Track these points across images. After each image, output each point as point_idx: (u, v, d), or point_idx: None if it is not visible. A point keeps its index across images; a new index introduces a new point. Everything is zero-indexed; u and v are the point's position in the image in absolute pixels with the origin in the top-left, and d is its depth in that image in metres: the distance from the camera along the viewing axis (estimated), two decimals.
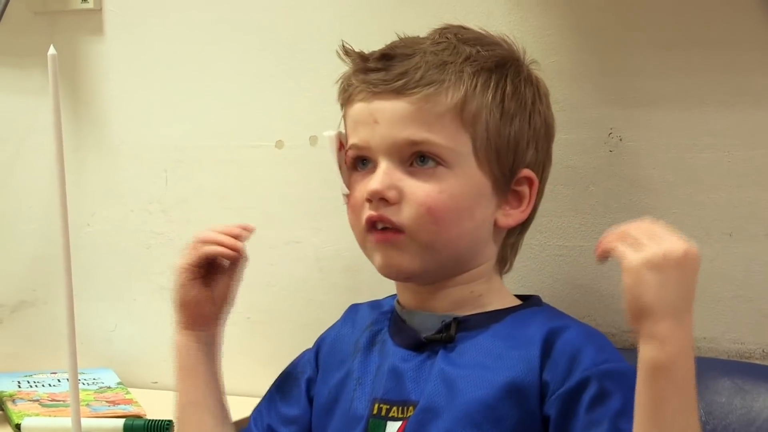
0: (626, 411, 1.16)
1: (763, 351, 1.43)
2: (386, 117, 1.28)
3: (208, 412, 1.39)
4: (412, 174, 1.27)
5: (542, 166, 1.33)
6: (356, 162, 1.32)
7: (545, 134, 1.34)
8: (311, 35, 1.66)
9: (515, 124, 1.29)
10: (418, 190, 1.26)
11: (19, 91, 1.85)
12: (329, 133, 1.33)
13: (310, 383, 1.39)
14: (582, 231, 1.50)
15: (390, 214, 1.27)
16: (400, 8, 1.58)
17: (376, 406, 1.29)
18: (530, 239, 1.48)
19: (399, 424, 1.27)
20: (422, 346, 1.29)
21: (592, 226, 1.50)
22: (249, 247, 1.71)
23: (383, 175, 1.27)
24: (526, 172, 1.31)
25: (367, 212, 1.28)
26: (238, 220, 1.71)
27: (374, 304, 1.40)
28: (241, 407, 1.65)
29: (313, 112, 1.67)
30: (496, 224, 1.31)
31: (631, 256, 1.12)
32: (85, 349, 1.78)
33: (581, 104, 1.49)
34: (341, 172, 1.32)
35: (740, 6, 1.42)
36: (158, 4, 1.76)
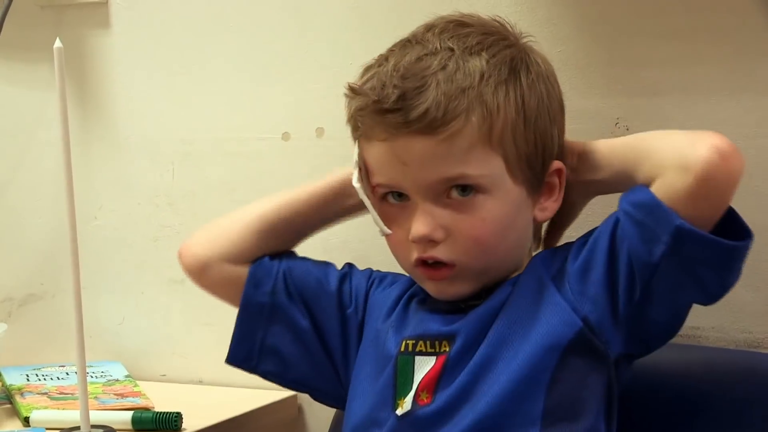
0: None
1: None
2: (415, 159, 1.24)
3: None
4: (451, 207, 1.25)
5: (563, 149, 1.32)
6: (386, 194, 1.29)
7: (561, 113, 1.32)
8: (318, 27, 1.66)
9: (538, 125, 1.27)
10: (463, 224, 1.24)
11: (26, 84, 1.86)
12: (356, 183, 1.29)
13: (347, 320, 1.40)
14: (591, 221, 1.49)
15: (438, 253, 1.25)
16: (405, 1, 1.58)
17: (404, 343, 1.29)
18: None
19: (431, 359, 1.27)
20: (458, 309, 1.29)
21: (599, 216, 1.49)
22: None
23: (426, 217, 1.24)
24: (556, 164, 1.30)
25: (416, 253, 1.26)
26: None
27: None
28: (248, 400, 1.65)
29: (319, 105, 1.67)
30: (534, 221, 1.31)
31: None
32: (93, 342, 1.79)
33: (588, 94, 1.48)
34: (375, 214, 1.29)
35: None
36: None
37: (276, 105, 1.70)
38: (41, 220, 1.86)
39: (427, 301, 1.33)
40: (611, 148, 1.29)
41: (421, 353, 1.28)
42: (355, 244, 1.65)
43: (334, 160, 1.65)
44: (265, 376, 1.43)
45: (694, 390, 1.33)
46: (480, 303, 1.28)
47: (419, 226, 1.25)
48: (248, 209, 1.44)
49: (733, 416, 1.30)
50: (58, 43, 1.27)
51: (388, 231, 1.29)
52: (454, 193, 1.25)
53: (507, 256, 1.29)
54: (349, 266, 1.44)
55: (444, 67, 1.24)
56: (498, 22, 1.32)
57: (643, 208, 1.18)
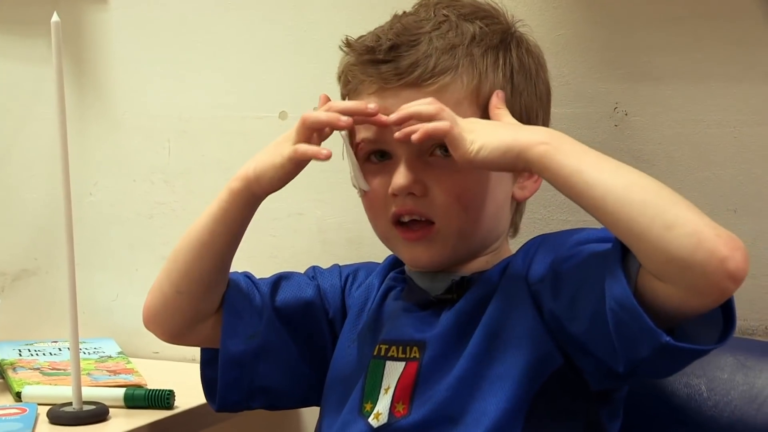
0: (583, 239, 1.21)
1: (765, 327, 1.43)
2: None
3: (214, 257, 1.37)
4: (433, 164, 1.25)
5: (546, 126, 1.33)
6: (369, 154, 1.29)
7: (548, 99, 1.33)
8: (316, 6, 1.66)
9: (524, 98, 1.29)
10: (444, 180, 1.25)
11: (23, 59, 1.85)
12: (344, 132, 1.29)
13: (333, 322, 1.39)
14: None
15: (418, 206, 1.25)
16: None
17: (377, 347, 1.29)
18: (534, 213, 1.47)
19: (400, 364, 1.27)
20: (429, 304, 1.29)
21: None
22: (252, 218, 1.71)
23: (407, 171, 1.24)
24: None
25: (393, 207, 1.26)
26: None
27: (389, 262, 1.39)
28: None
29: (317, 84, 1.66)
30: (513, 198, 1.31)
31: (456, 131, 1.18)
32: (87, 318, 1.78)
33: (587, 78, 1.48)
34: (357, 169, 1.29)
35: None
36: None
37: (274, 84, 1.69)
38: (36, 196, 1.85)
39: (401, 296, 1.32)
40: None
41: (392, 358, 1.28)
42: (349, 225, 1.65)
43: (331, 139, 1.65)
44: (257, 408, 1.41)
45: (687, 375, 1.33)
46: (454, 300, 1.27)
47: (400, 177, 1.25)
48: (174, 263, 1.39)
49: (727, 402, 1.30)
50: (55, 18, 1.26)
51: (367, 187, 1.28)
52: (438, 152, 1.25)
53: (484, 225, 1.28)
54: (314, 269, 1.43)
55: (438, 28, 1.27)
56: (490, 4, 1.33)
57: (628, 313, 1.10)
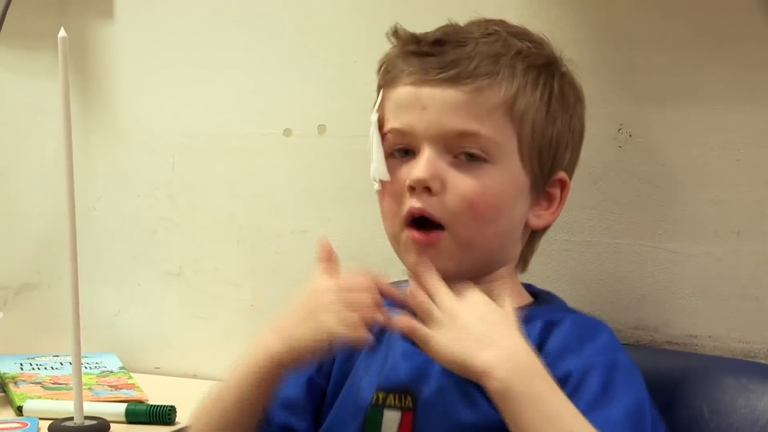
0: (595, 402, 1.17)
1: (767, 351, 1.43)
2: (436, 104, 1.25)
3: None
4: (455, 165, 1.25)
5: (573, 169, 1.33)
6: (393, 151, 1.29)
7: (580, 138, 1.33)
8: (321, 24, 1.66)
9: (557, 126, 1.28)
10: (462, 183, 1.24)
11: (29, 73, 1.85)
12: (374, 118, 1.30)
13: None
14: (589, 226, 1.50)
15: (431, 207, 1.24)
16: (410, 0, 1.58)
17: (376, 395, 1.28)
18: None
19: (397, 414, 1.26)
20: None
21: (599, 222, 1.49)
22: (255, 235, 1.72)
23: (428, 163, 1.24)
24: (562, 174, 1.30)
25: (409, 203, 1.25)
26: (244, 207, 1.72)
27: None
28: None
29: (321, 102, 1.66)
30: (526, 224, 1.30)
31: (422, 333, 1.19)
32: (89, 333, 1.78)
33: (591, 100, 1.47)
34: (381, 157, 1.28)
35: (753, 3, 1.41)
36: None
37: (278, 101, 1.69)
38: (40, 209, 1.86)
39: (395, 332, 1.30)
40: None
41: (389, 407, 1.27)
42: (353, 242, 1.65)
43: (336, 157, 1.65)
44: None
45: (689, 398, 1.33)
46: None
47: (419, 170, 1.24)
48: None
49: (728, 425, 1.30)
50: (62, 33, 1.26)
51: (387, 176, 1.28)
52: (462, 157, 1.25)
53: (493, 241, 1.27)
54: None
55: (486, 36, 1.28)
56: (543, 36, 1.34)
57: None
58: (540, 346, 1.22)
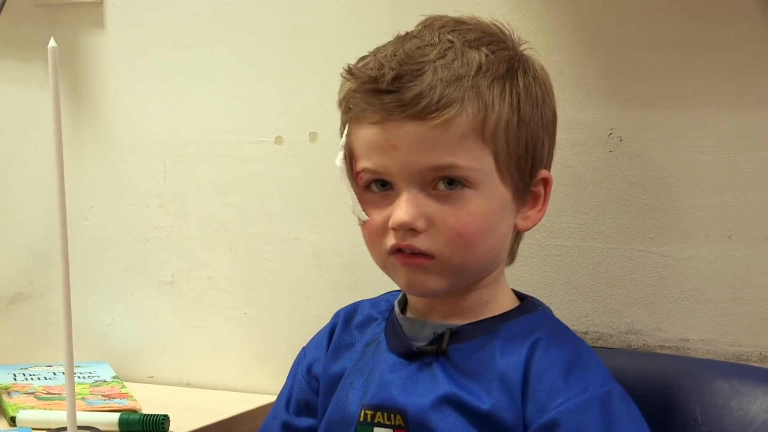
0: None
1: (760, 354, 1.43)
2: (405, 143, 1.22)
3: None
4: (436, 198, 1.22)
5: (551, 156, 1.31)
6: (369, 183, 1.26)
7: (553, 125, 1.31)
8: (312, 31, 1.66)
9: (531, 127, 1.26)
10: (447, 216, 1.22)
11: (20, 83, 1.85)
12: (340, 162, 1.27)
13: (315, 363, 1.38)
14: (581, 231, 1.50)
15: (418, 243, 1.22)
16: (400, 5, 1.58)
17: (363, 412, 1.27)
18: (529, 239, 1.48)
19: (387, 431, 1.26)
20: (414, 355, 1.27)
21: (591, 227, 1.50)
22: (248, 243, 1.72)
23: (409, 205, 1.22)
24: (543, 173, 1.29)
25: (392, 240, 1.24)
26: (236, 215, 1.72)
27: (375, 302, 1.38)
28: (236, 403, 1.65)
29: (313, 109, 1.67)
30: (515, 229, 1.29)
31: None
32: (82, 342, 1.78)
33: (582, 104, 1.48)
34: (355, 199, 1.27)
35: (743, 7, 1.41)
36: None
37: (270, 109, 1.70)
38: (32, 219, 1.86)
39: (388, 342, 1.30)
40: None
41: (379, 424, 1.26)
42: (345, 249, 1.65)
43: (327, 165, 1.65)
44: None
45: (681, 401, 1.33)
46: (435, 352, 1.26)
47: (401, 213, 1.22)
48: None
49: (721, 429, 1.30)
50: (52, 43, 1.26)
51: (365, 217, 1.26)
52: (441, 186, 1.22)
53: (484, 258, 1.26)
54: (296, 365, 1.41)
55: (443, 56, 1.23)
56: (497, 26, 1.31)
57: None
58: (527, 368, 1.22)
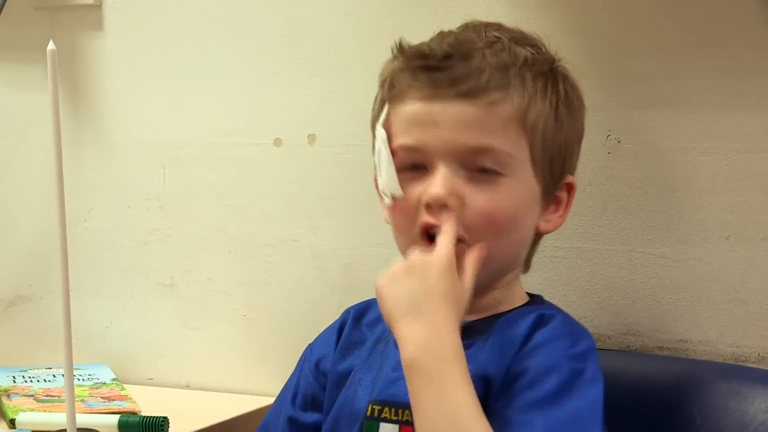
0: (547, 398, 1.17)
1: (758, 354, 1.43)
2: (449, 120, 1.23)
3: None
4: (470, 180, 1.24)
5: (575, 166, 1.34)
6: (403, 168, 1.27)
7: (582, 135, 1.34)
8: (311, 33, 1.66)
9: (565, 131, 1.28)
10: (480, 198, 1.23)
11: (19, 86, 1.85)
12: (382, 133, 1.28)
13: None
14: (579, 232, 1.50)
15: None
16: (400, 7, 1.58)
17: (370, 407, 1.28)
18: None
19: (394, 427, 1.26)
20: None
21: (589, 228, 1.50)
22: (247, 245, 1.72)
23: (445, 180, 1.23)
24: (570, 178, 1.31)
25: (425, 218, 1.24)
26: (235, 217, 1.72)
27: None
28: (236, 405, 1.65)
29: (312, 111, 1.67)
30: (536, 230, 1.30)
31: (380, 277, 1.22)
32: (81, 344, 1.78)
33: None
34: (393, 173, 1.26)
35: (740, 9, 1.42)
36: (158, 0, 1.76)
37: (268, 111, 1.70)
38: (31, 222, 1.86)
39: (390, 342, 1.30)
40: None
41: (386, 420, 1.27)
42: (344, 251, 1.65)
43: (326, 167, 1.65)
44: None
45: (680, 402, 1.33)
46: None
47: (436, 187, 1.23)
48: None
49: (720, 430, 1.30)
50: (51, 45, 1.26)
51: (401, 193, 1.26)
52: (476, 171, 1.24)
53: (509, 251, 1.27)
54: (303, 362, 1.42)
55: (491, 46, 1.26)
56: (536, 35, 1.34)
57: None
58: (529, 335, 1.23)
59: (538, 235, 1.33)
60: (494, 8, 1.52)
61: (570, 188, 1.32)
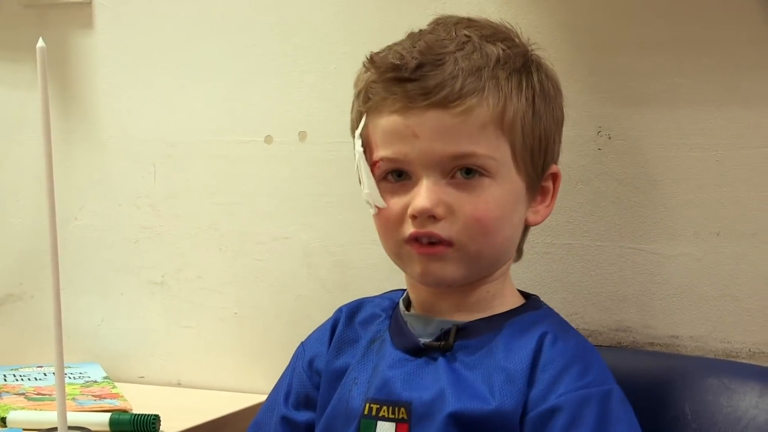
0: None
1: (749, 350, 1.43)
2: (427, 131, 1.23)
3: None
4: (455, 186, 1.24)
5: (558, 153, 1.34)
6: (386, 173, 1.27)
7: (561, 121, 1.34)
8: (301, 31, 1.66)
9: (543, 122, 1.28)
10: (465, 203, 1.24)
11: (8, 84, 1.85)
12: (360, 149, 1.28)
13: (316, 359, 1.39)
14: (570, 229, 1.50)
15: (438, 230, 1.24)
16: (389, 5, 1.58)
17: (367, 406, 1.28)
18: None
19: (391, 426, 1.26)
20: (420, 351, 1.28)
21: (580, 224, 1.50)
22: (237, 243, 1.72)
23: (429, 192, 1.23)
24: (554, 168, 1.31)
25: (410, 228, 1.25)
26: (226, 215, 1.72)
27: (379, 299, 1.39)
28: (227, 403, 1.65)
29: (302, 108, 1.67)
30: (525, 222, 1.31)
31: None
32: (72, 343, 1.78)
33: (570, 102, 1.48)
34: (373, 186, 1.27)
35: (731, 6, 1.42)
36: None
37: (259, 108, 1.70)
38: (21, 220, 1.85)
39: (392, 338, 1.31)
40: None
41: (383, 418, 1.27)
42: (335, 248, 1.65)
43: (317, 164, 1.65)
44: None
45: (671, 398, 1.33)
46: (442, 348, 1.27)
47: (422, 199, 1.23)
48: None
49: (711, 425, 1.30)
50: (41, 43, 1.26)
51: (383, 204, 1.27)
52: (459, 175, 1.24)
53: (499, 248, 1.28)
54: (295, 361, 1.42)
55: (461, 48, 1.25)
56: (506, 26, 1.33)
57: None
58: (535, 359, 1.24)
59: (527, 226, 1.33)
60: (484, 5, 1.52)
61: (555, 177, 1.32)
